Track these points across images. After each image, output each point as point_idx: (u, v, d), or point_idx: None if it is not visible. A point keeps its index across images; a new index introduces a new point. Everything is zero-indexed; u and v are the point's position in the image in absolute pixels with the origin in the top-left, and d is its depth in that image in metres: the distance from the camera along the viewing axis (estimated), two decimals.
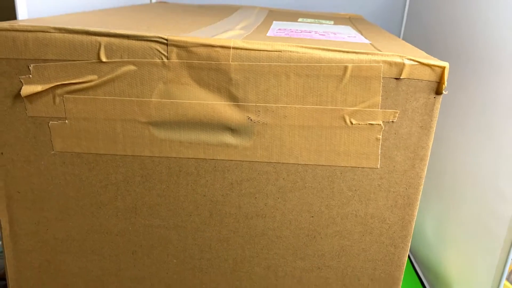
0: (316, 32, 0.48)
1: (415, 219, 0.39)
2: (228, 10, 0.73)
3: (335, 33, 0.49)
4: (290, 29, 0.50)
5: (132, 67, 0.36)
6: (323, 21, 0.66)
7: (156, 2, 0.80)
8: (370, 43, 0.41)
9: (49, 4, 0.50)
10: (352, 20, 0.70)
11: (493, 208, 0.56)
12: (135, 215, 0.41)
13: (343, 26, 0.58)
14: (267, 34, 0.43)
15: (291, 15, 0.72)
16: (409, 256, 0.80)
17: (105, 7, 0.68)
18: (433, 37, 0.76)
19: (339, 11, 0.91)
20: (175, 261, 0.42)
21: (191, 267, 0.43)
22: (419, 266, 0.77)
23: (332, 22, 0.64)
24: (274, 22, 0.60)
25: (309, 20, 0.66)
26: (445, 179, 0.68)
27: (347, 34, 0.49)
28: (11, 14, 0.45)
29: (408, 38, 0.87)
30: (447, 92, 0.35)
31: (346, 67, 0.35)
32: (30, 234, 0.42)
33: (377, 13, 0.90)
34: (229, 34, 0.40)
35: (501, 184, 0.55)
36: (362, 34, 0.49)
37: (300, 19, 0.67)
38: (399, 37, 0.92)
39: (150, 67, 0.36)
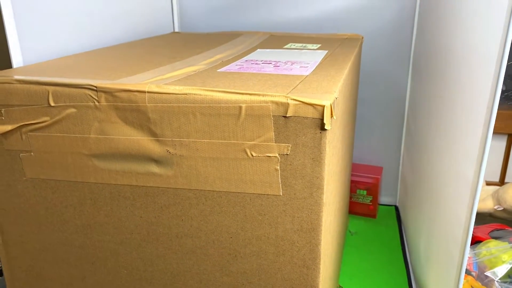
0: (274, 62, 0.53)
1: (321, 243, 0.42)
2: (227, 37, 0.79)
3: (292, 63, 0.53)
4: (252, 60, 0.55)
5: (73, 110, 0.43)
6: (309, 46, 0.69)
7: (170, 33, 0.88)
8: (306, 75, 0.45)
9: (44, 47, 0.60)
10: (342, 42, 0.72)
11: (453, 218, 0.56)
12: (90, 231, 0.48)
13: (318, 52, 0.62)
14: (224, 69, 0.50)
15: (285, 40, 0.76)
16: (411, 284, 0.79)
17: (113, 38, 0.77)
18: (433, 53, 0.76)
19: (353, 30, 0.93)
20: (125, 271, 0.49)
21: (138, 277, 0.49)
22: None
23: (316, 47, 0.67)
24: (257, 50, 0.65)
25: (295, 45, 0.70)
26: (431, 193, 0.67)
27: (305, 63, 0.53)
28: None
29: (417, 53, 0.86)
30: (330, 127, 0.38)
31: (241, 107, 0.39)
32: (16, 244, 0.51)
33: (388, 31, 0.90)
34: (176, 73, 0.46)
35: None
36: (322, 62, 0.53)
37: (289, 44, 0.71)
38: (409, 54, 0.91)
39: (86, 109, 0.43)
